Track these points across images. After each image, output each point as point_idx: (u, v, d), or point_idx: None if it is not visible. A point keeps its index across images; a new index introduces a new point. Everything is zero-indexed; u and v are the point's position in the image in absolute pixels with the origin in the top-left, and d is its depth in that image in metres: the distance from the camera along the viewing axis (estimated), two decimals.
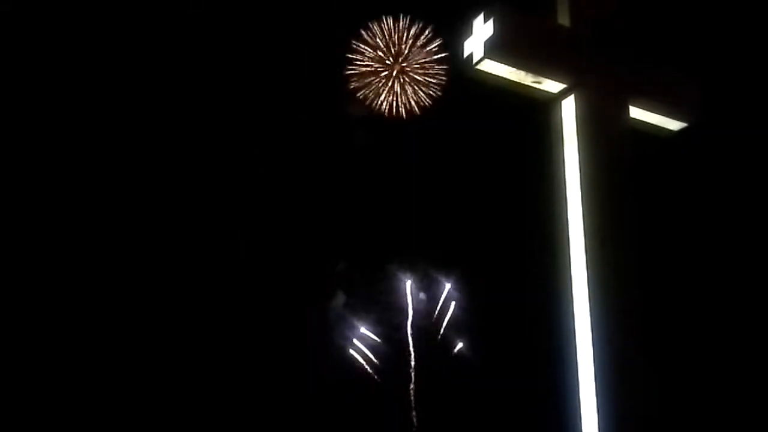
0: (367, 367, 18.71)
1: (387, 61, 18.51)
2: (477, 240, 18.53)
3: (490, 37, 4.95)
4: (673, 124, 5.54)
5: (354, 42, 18.26)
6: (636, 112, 5.35)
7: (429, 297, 19.21)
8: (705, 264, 15.61)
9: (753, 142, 15.18)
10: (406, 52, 18.49)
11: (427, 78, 18.54)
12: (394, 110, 18.40)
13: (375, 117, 18.33)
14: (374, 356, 18.74)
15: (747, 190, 15.56)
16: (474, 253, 18.50)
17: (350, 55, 18.25)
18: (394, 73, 18.50)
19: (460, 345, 18.98)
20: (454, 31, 5.32)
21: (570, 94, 5.14)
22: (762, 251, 15.15)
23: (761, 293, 14.80)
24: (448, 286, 19.18)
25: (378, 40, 18.46)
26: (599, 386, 4.63)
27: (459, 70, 5.21)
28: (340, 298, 18.83)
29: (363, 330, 18.83)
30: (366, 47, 18.46)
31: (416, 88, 18.57)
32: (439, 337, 19.11)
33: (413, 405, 18.65)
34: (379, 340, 18.91)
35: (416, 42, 18.42)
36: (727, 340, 15.20)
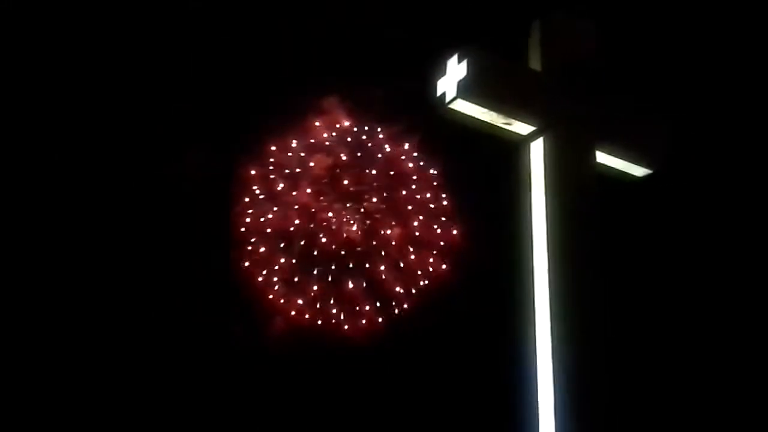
0: None
1: None
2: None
3: (464, 78, 5.05)
4: (638, 170, 5.66)
5: None
6: (602, 157, 5.47)
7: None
8: (673, 306, 15.79)
9: (718, 188, 15.44)
10: None
11: None
12: None
13: None
14: None
15: (712, 235, 15.79)
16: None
17: None
18: None
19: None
20: None
21: (539, 137, 5.25)
22: (735, 292, 15.36)
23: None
24: None
25: None
26: None
27: (432, 108, 5.30)
28: None
29: None
30: None
31: None
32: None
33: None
34: None
35: None
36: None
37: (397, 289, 16.99)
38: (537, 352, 4.84)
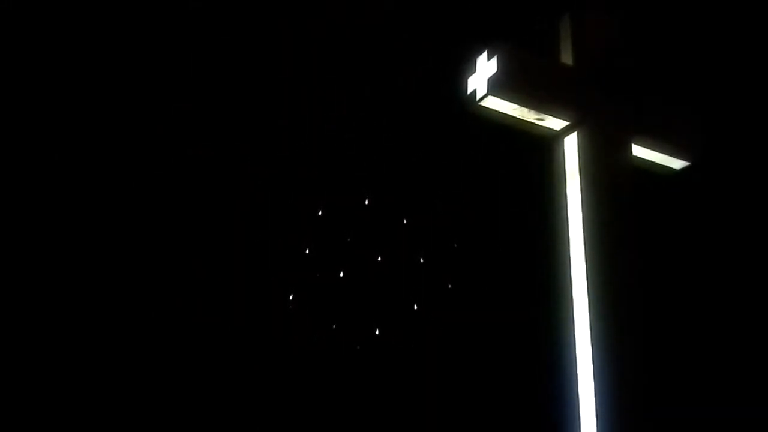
0: None
1: None
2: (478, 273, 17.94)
3: (494, 75, 4.98)
4: (676, 163, 5.57)
5: None
6: (638, 150, 5.38)
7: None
8: (707, 299, 15.57)
9: (755, 179, 15.21)
10: None
11: None
12: None
13: None
14: None
15: (749, 226, 15.57)
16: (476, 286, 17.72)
17: None
18: None
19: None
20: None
21: (573, 132, 5.17)
22: (762, 285, 15.13)
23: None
24: None
25: None
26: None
27: (462, 106, 5.23)
28: None
29: None
30: None
31: None
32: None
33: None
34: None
35: None
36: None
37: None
38: (576, 354, 4.76)
